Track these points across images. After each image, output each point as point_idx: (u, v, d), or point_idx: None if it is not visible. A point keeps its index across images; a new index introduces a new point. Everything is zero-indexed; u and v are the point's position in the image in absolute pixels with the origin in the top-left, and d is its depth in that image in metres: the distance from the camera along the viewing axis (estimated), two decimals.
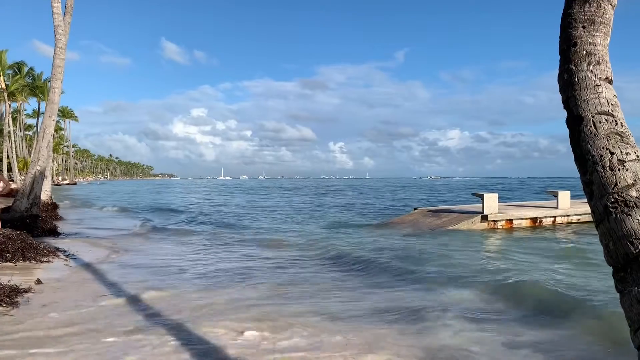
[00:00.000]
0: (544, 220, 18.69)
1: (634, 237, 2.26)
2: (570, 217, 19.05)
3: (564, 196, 19.54)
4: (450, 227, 16.95)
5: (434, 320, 6.46)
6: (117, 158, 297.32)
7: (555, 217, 18.92)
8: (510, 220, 18.00)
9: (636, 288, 2.21)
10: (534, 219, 18.56)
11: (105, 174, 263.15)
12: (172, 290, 8.02)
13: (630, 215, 2.30)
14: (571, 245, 14.50)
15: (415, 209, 21.97)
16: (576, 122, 2.64)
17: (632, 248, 2.26)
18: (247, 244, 15.02)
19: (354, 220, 23.51)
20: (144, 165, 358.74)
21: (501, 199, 20.19)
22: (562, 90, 2.76)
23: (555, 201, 19.73)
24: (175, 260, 11.55)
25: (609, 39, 2.76)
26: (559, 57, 2.81)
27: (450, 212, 19.38)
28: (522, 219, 18.33)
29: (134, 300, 7.25)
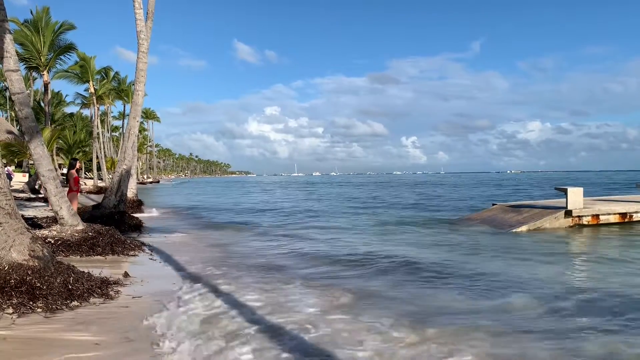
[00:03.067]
0: (635, 215, 17.46)
1: None
2: None
3: None
4: (532, 223, 16.23)
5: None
6: (196, 157, 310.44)
7: None
8: (596, 216, 16.96)
9: None
10: (623, 214, 17.38)
11: (186, 171, 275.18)
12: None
13: None
14: None
15: (494, 204, 21.25)
16: None
17: None
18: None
19: (428, 216, 23.08)
20: (221, 163, 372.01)
21: (586, 193, 19.05)
22: None
23: None
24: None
25: None
26: None
27: (531, 207, 18.55)
28: (609, 214, 17.21)
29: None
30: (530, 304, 7.12)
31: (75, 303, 6.44)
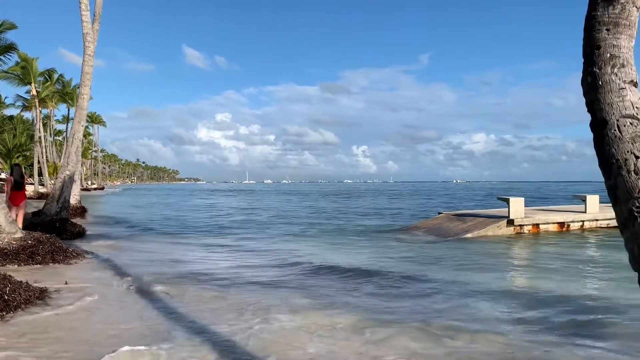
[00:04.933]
0: (571, 224, 18.35)
1: None
2: (599, 222, 18.64)
3: (593, 200, 19.14)
4: (476, 232, 16.76)
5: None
6: (143, 163, 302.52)
7: (583, 221, 18.55)
8: (537, 225, 17.72)
9: None
10: (561, 224, 18.23)
11: (133, 178, 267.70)
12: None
13: None
14: (596, 252, 14.21)
15: (440, 213, 21.79)
16: (600, 126, 2.61)
17: None
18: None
19: (376, 224, 23.41)
20: (169, 169, 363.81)
21: (528, 203, 19.92)
22: (585, 94, 2.74)
23: (584, 205, 19.36)
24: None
25: (633, 41, 2.72)
26: (583, 60, 2.79)
27: (475, 216, 19.16)
28: (549, 223, 18.03)
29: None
30: (479, 307, 7.36)
31: (11, 314, 6.17)
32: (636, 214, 2.35)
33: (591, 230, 18.32)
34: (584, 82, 2.76)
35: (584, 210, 19.15)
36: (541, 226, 17.83)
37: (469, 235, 16.55)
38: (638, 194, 2.36)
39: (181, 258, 12.43)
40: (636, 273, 2.40)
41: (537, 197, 51.28)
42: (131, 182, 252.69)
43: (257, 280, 9.60)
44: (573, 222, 18.42)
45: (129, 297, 7.77)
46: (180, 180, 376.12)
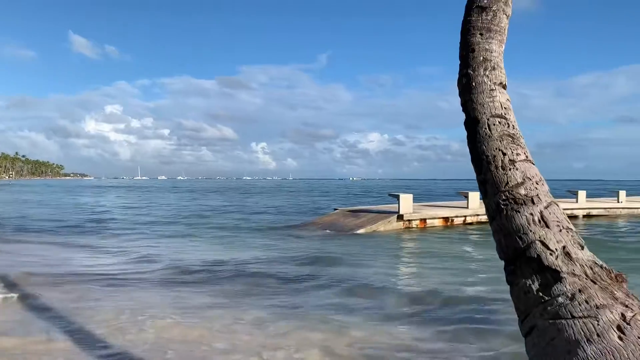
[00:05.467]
0: (455, 219, 19.60)
1: (522, 232, 2.42)
2: (480, 217, 20.10)
3: (474, 197, 20.60)
4: (368, 227, 17.35)
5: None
6: (23, 156, 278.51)
7: (465, 216, 19.90)
8: (424, 220, 18.72)
9: (523, 280, 2.36)
10: (446, 219, 19.42)
11: (11, 173, 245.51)
12: None
13: (519, 212, 2.46)
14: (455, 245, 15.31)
15: (335, 209, 22.29)
16: (473, 124, 2.79)
17: (520, 242, 2.41)
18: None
19: (273, 221, 23.44)
20: (53, 164, 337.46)
21: (416, 199, 21.00)
22: (461, 94, 2.91)
23: (466, 201, 20.76)
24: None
25: (503, 46, 2.94)
26: (459, 62, 2.96)
27: (368, 212, 19.84)
28: (435, 218, 19.13)
29: None
30: (373, 300, 7.61)
31: None
32: (503, 207, 2.54)
33: (472, 224, 19.69)
34: (459, 83, 2.93)
35: (466, 206, 20.54)
36: (428, 221, 18.87)
37: (362, 230, 17.10)
38: (504, 188, 2.55)
39: (53, 259, 11.60)
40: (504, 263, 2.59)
41: (425, 194, 54.15)
42: (9, 177, 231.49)
43: (144, 278, 9.24)
44: (456, 217, 19.68)
45: None
46: (66, 175, 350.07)
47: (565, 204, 24.48)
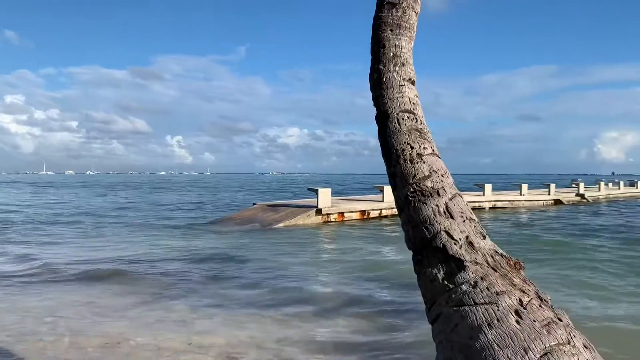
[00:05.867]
0: (371, 212, 20.11)
1: (428, 223, 2.50)
2: (394, 210, 20.69)
3: (389, 190, 21.18)
4: (287, 221, 17.37)
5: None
6: None
7: (381, 209, 20.47)
8: (342, 213, 19.05)
9: (430, 269, 2.44)
10: (363, 212, 19.88)
11: None
12: None
13: (426, 204, 2.54)
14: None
15: (254, 204, 22.11)
16: (383, 119, 2.84)
17: (427, 233, 2.49)
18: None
19: (189, 217, 22.88)
20: None
21: (335, 193, 21.32)
22: (372, 89, 2.96)
23: (382, 195, 21.35)
24: None
25: (412, 43, 3.02)
26: (371, 57, 3.01)
27: (287, 206, 19.86)
28: (352, 211, 19.52)
29: None
30: (297, 293, 7.62)
31: None
32: (411, 199, 2.61)
33: (388, 216, 20.30)
34: (371, 78, 2.98)
35: (382, 200, 21.12)
36: (346, 214, 19.22)
37: (281, 224, 17.10)
38: (412, 180, 2.63)
39: None
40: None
41: (344, 188, 55.11)
42: None
43: (50, 279, 8.71)
44: (373, 210, 20.20)
45: None
46: None
47: (474, 197, 25.90)
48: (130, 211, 25.86)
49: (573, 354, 2.05)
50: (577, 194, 34.58)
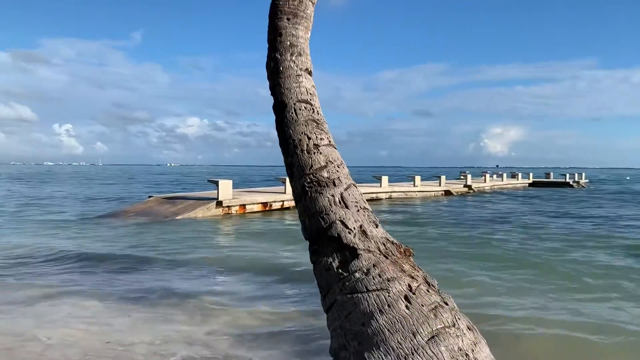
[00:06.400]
0: (273, 204, 20.10)
1: (324, 213, 2.52)
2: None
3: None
4: (186, 214, 16.89)
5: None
6: None
7: (283, 201, 20.51)
8: (243, 206, 18.85)
9: (325, 258, 2.47)
10: (264, 204, 19.82)
11: None
12: None
13: (322, 194, 2.57)
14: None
15: (150, 197, 21.22)
16: (280, 108, 2.83)
17: (322, 223, 2.51)
18: None
19: (80, 211, 21.50)
20: None
21: (237, 185, 21.08)
22: (269, 78, 2.93)
23: (284, 187, 21.42)
24: None
25: (309, 33, 3.02)
26: (268, 45, 2.97)
27: (186, 199, 19.29)
28: (254, 203, 19.38)
29: None
30: (201, 286, 7.41)
31: None
32: (307, 189, 2.62)
33: (290, 208, 20.40)
34: (267, 67, 2.95)
35: (284, 191, 21.18)
36: (247, 206, 19.05)
37: (179, 217, 16.59)
38: (309, 171, 2.64)
39: None
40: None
41: (246, 180, 54.63)
42: None
43: None
44: (274, 201, 20.20)
45: None
46: None
47: (371, 188, 26.82)
48: (13, 205, 23.77)
49: (458, 336, 2.17)
50: (465, 185, 37.04)
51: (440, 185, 34.11)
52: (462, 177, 41.41)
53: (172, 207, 18.06)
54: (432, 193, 32.08)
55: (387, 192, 27.69)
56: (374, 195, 26.37)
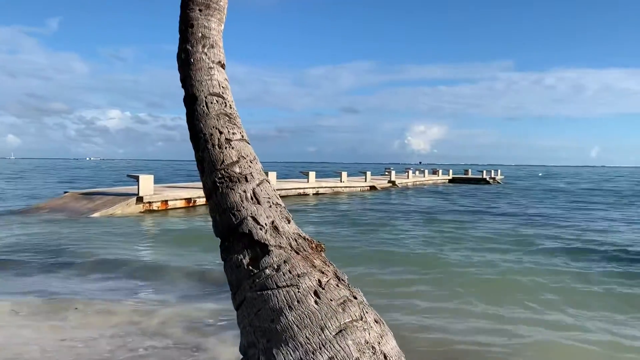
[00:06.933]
0: (197, 200, 19.67)
1: (235, 209, 2.48)
2: None
3: None
4: (104, 210, 16.17)
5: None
6: None
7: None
8: (165, 202, 18.31)
9: (236, 255, 2.43)
10: (188, 200, 19.35)
11: None
12: None
13: (234, 190, 2.52)
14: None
15: (66, 192, 20.14)
16: (191, 101, 2.74)
17: (233, 219, 2.47)
18: None
19: None
20: None
21: (161, 180, 20.45)
22: (180, 69, 2.83)
23: None
24: None
25: (223, 25, 2.95)
26: (179, 36, 2.87)
27: (104, 194, 18.47)
28: (177, 199, 18.88)
29: None
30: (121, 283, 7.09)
31: None
32: (219, 184, 2.56)
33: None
34: (178, 58, 2.85)
35: None
36: (170, 202, 18.52)
37: (96, 214, 15.86)
38: (220, 166, 2.58)
39: None
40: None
41: (169, 175, 53.12)
42: None
43: None
44: (199, 197, 19.77)
45: None
46: None
47: (299, 184, 26.92)
48: None
49: (365, 329, 2.20)
50: (389, 181, 38.08)
51: (366, 181, 34.85)
52: (386, 173, 42.48)
53: (90, 203, 17.24)
54: (358, 188, 32.71)
55: (314, 188, 27.90)
56: (301, 191, 26.50)
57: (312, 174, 28.92)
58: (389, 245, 11.67)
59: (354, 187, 32.33)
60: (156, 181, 18.88)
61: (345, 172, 33.70)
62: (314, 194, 27.39)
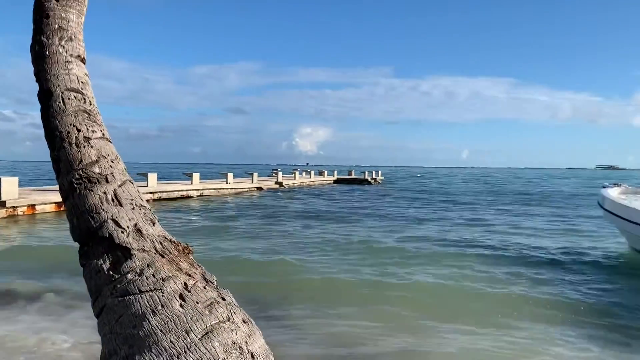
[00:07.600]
0: None
1: (94, 211, 2.35)
2: None
3: None
4: None
5: None
6: None
7: None
8: (32, 206, 16.86)
9: (95, 260, 2.30)
10: (59, 204, 17.96)
11: None
12: None
13: (92, 191, 2.38)
14: None
15: None
16: (46, 97, 2.56)
17: (93, 222, 2.33)
18: None
19: None
20: None
21: (29, 183, 18.81)
22: (33, 62, 2.63)
23: None
24: None
25: (83, 17, 2.79)
26: (33, 27, 2.67)
27: None
28: (46, 203, 17.46)
29: None
30: None
31: None
32: (76, 186, 2.41)
33: None
34: (32, 50, 2.65)
35: None
36: (37, 207, 17.08)
37: None
38: (78, 166, 2.43)
39: None
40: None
41: (39, 177, 49.00)
42: None
43: None
44: None
45: None
46: None
47: (182, 186, 26.14)
48: None
49: (232, 330, 2.19)
50: (276, 182, 38.32)
51: (252, 182, 34.71)
52: (274, 174, 42.67)
53: None
54: (245, 190, 32.50)
55: (198, 190, 27.21)
56: (184, 193, 25.70)
57: (196, 175, 28.16)
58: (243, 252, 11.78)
59: (240, 188, 32.08)
60: (23, 184, 17.29)
61: (232, 174, 33.28)
62: (198, 197, 26.71)
